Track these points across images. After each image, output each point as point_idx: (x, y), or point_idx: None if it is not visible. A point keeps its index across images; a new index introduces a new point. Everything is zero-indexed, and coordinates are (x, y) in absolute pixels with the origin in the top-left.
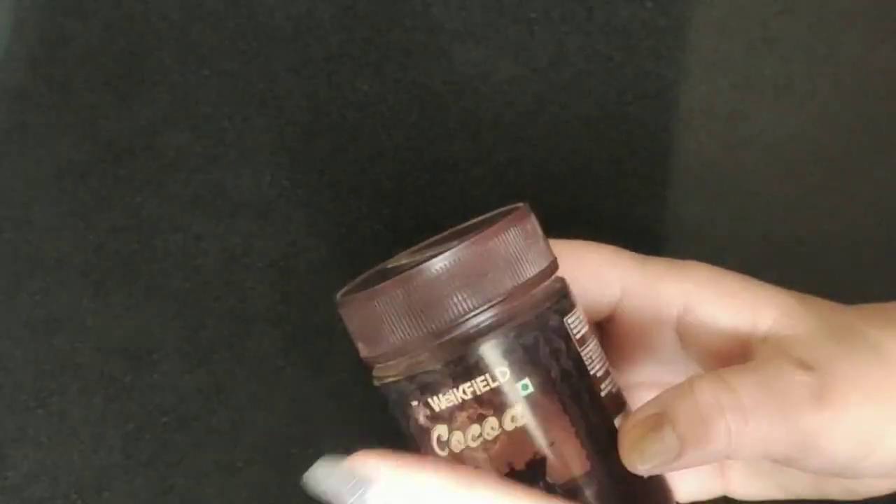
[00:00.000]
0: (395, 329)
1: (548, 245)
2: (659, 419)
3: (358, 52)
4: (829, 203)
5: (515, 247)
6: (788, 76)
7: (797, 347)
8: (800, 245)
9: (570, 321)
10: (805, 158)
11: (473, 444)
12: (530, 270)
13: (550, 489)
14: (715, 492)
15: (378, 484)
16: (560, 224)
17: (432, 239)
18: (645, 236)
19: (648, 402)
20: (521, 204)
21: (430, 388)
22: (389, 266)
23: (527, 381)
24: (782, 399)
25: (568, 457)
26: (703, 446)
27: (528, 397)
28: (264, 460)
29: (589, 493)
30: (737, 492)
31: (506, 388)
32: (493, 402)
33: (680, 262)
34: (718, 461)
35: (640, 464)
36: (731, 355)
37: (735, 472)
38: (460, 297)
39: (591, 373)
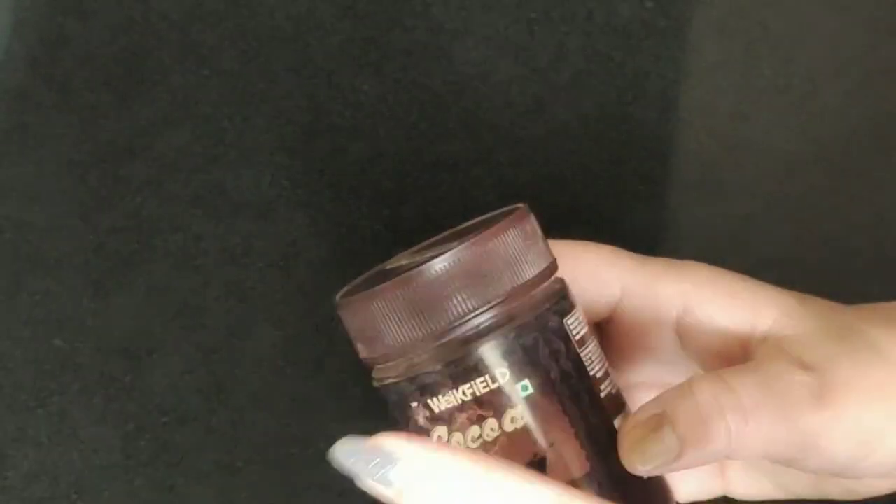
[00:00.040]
0: (394, 330)
1: (547, 246)
2: (659, 420)
3: (358, 52)
4: (829, 203)
5: (515, 248)
6: (788, 76)
7: (797, 347)
8: (800, 245)
9: (569, 322)
10: (805, 158)
11: (473, 446)
12: (530, 271)
13: None
14: (715, 492)
15: (401, 463)
16: (560, 224)
17: (432, 239)
18: (644, 236)
19: (648, 403)
20: (520, 204)
21: (430, 390)
22: (389, 267)
23: (526, 382)
24: (782, 399)
25: (568, 458)
26: (703, 447)
27: (527, 398)
28: (264, 460)
29: (589, 494)
30: (737, 492)
31: (505, 390)
32: (492, 404)
33: (679, 263)
34: (718, 461)
35: (639, 465)
36: (731, 355)
37: (735, 472)
38: (460, 299)
39: (591, 374)
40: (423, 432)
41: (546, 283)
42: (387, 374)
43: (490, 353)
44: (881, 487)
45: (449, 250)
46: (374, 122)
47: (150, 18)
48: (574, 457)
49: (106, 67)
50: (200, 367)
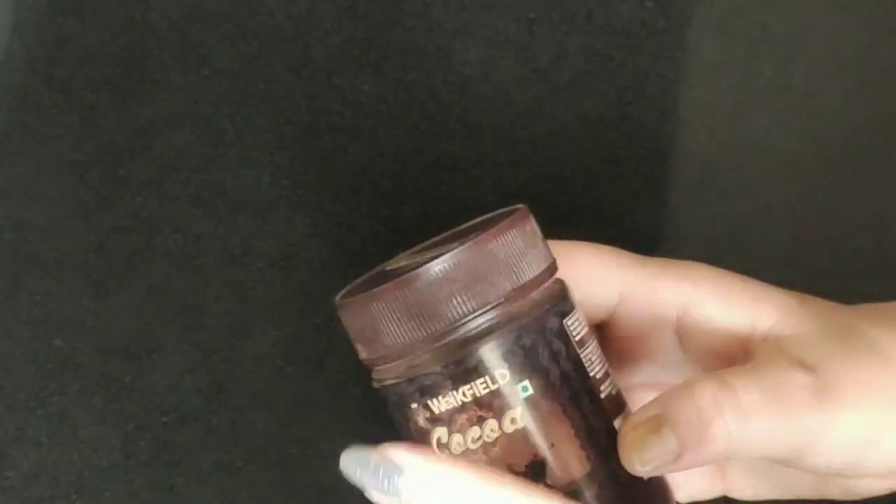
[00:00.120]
0: (394, 331)
1: (547, 247)
2: (658, 421)
3: (358, 52)
4: (829, 203)
5: (515, 249)
6: (788, 76)
7: (797, 348)
8: (800, 245)
9: (569, 323)
10: (805, 158)
11: (473, 447)
12: (530, 272)
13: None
14: (715, 492)
15: (408, 473)
16: (560, 224)
17: (432, 240)
18: (644, 236)
19: (648, 404)
20: (520, 205)
21: (430, 391)
22: (389, 268)
23: (526, 383)
24: (782, 399)
25: (568, 459)
26: (703, 447)
27: (527, 399)
28: (264, 460)
29: (589, 494)
30: (737, 492)
31: (505, 391)
32: (492, 405)
33: (679, 263)
34: (718, 462)
35: (639, 465)
36: (731, 356)
37: (735, 473)
38: (460, 300)
39: (591, 374)
40: (423, 433)
41: (546, 284)
42: (387, 375)
43: (490, 354)
44: (881, 487)
45: (449, 251)
46: (374, 122)
47: (150, 18)
48: (574, 458)
49: (106, 67)
50: (200, 367)
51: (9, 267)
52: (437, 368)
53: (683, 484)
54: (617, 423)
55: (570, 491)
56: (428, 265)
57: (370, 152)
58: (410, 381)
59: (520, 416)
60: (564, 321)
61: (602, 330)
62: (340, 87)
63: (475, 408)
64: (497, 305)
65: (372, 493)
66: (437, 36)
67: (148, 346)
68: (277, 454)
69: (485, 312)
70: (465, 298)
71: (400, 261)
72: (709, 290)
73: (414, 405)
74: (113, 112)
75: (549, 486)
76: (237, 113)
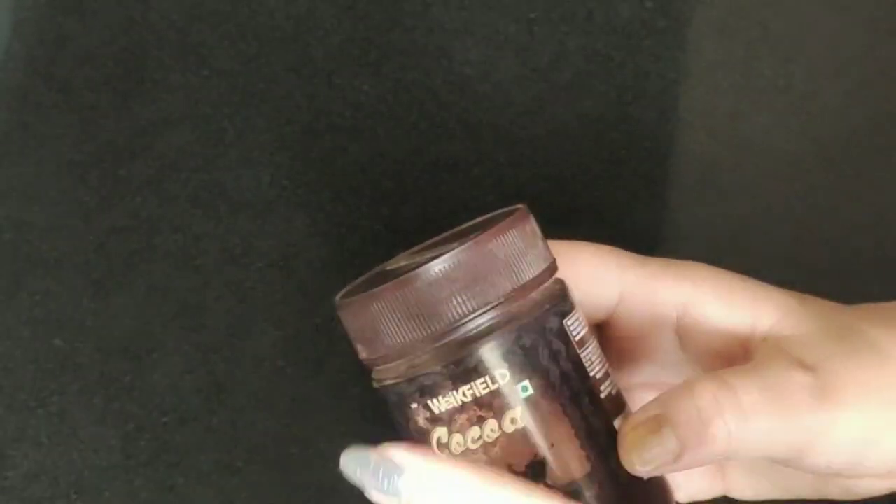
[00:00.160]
0: (394, 331)
1: (547, 246)
2: (658, 421)
3: (358, 52)
4: (829, 203)
5: (515, 249)
6: (788, 76)
7: (797, 348)
8: (800, 245)
9: (569, 323)
10: (805, 158)
11: (473, 447)
12: (530, 272)
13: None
14: (715, 492)
15: (408, 473)
16: (560, 224)
17: (432, 240)
18: (644, 236)
19: (648, 404)
20: (520, 205)
21: (430, 391)
22: (389, 268)
23: (526, 383)
24: (782, 399)
25: (568, 459)
26: (703, 447)
27: (527, 399)
28: (264, 460)
29: (589, 494)
30: (737, 492)
31: (505, 391)
32: (492, 405)
33: (679, 263)
34: (718, 462)
35: (639, 465)
36: (731, 356)
37: (735, 472)
38: (460, 300)
39: (591, 374)
40: (423, 433)
41: (546, 284)
42: (387, 375)
43: (490, 354)
44: (881, 487)
45: (449, 251)
46: (374, 122)
47: (150, 18)
48: (574, 458)
49: (106, 67)
50: (200, 367)
51: (9, 267)
52: (437, 368)
53: (683, 484)
54: (617, 423)
55: (570, 491)
56: (428, 265)
57: (370, 152)
58: (410, 381)
59: (520, 416)
60: (564, 321)
61: (602, 330)
62: (340, 87)
63: (475, 408)
64: (497, 305)
65: (372, 493)
66: (437, 36)
67: (148, 346)
68: (277, 454)
69: (485, 312)
70: (465, 298)
71: (400, 261)
72: (709, 290)
73: (414, 405)
74: (113, 112)
75: (549, 486)
76: (237, 113)
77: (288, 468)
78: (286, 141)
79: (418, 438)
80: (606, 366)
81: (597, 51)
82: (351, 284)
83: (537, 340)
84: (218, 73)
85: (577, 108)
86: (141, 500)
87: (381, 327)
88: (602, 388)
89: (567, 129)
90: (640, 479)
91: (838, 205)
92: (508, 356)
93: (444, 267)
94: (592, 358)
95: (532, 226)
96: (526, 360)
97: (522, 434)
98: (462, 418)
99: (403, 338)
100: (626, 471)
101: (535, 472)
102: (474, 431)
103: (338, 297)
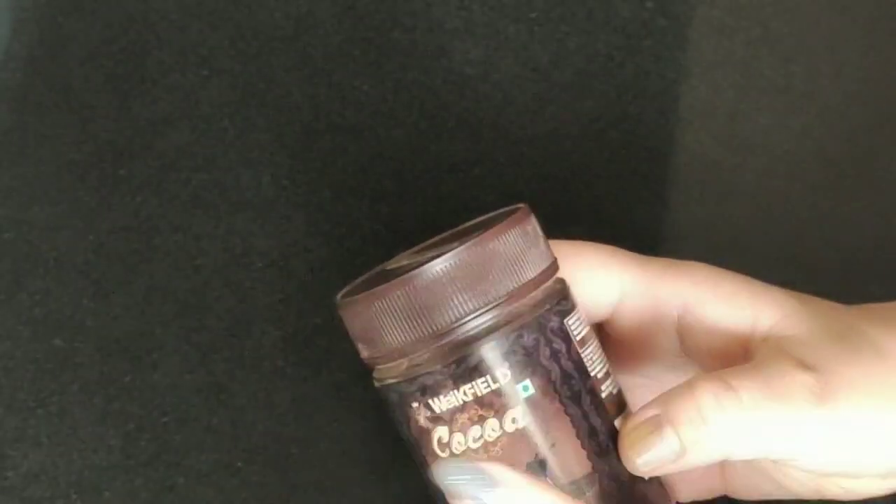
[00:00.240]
0: (395, 331)
1: (548, 246)
2: (659, 420)
3: (358, 52)
4: (829, 203)
5: (516, 248)
6: (788, 76)
7: (798, 348)
8: (800, 245)
9: (570, 322)
10: (805, 158)
11: (474, 446)
12: (531, 272)
13: None
14: (715, 492)
15: (502, 488)
16: (560, 224)
17: (433, 240)
18: (645, 236)
19: (649, 403)
20: (521, 205)
21: (431, 390)
22: (390, 267)
23: (527, 382)
24: (783, 399)
25: (569, 458)
26: (704, 447)
27: (528, 399)
28: (264, 460)
29: (590, 494)
30: (737, 492)
31: (506, 390)
32: (493, 404)
33: (679, 263)
34: (718, 461)
35: (640, 465)
36: (732, 356)
37: (735, 473)
38: (461, 299)
39: (592, 374)
40: (424, 432)
41: (547, 284)
42: (387, 375)
43: (491, 353)
44: (881, 487)
45: (450, 251)
46: (374, 122)
47: (149, 18)
48: (575, 457)
49: (106, 67)
50: (200, 367)
51: (9, 267)
52: (438, 367)
53: (683, 484)
54: (618, 423)
55: (570, 490)
56: (429, 264)
57: (370, 152)
58: (411, 380)
59: (521, 416)
60: (565, 320)
61: (603, 329)
62: (340, 87)
63: (476, 407)
64: (498, 305)
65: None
66: (437, 36)
67: (148, 346)
68: (277, 454)
69: (486, 312)
70: (466, 298)
71: (400, 260)
72: (709, 290)
73: (415, 404)
74: (113, 112)
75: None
76: (237, 113)
77: (288, 468)
78: (286, 141)
79: (419, 438)
80: (607, 365)
81: (597, 51)
82: (351, 284)
83: (538, 340)
84: (218, 73)
85: (577, 108)
86: (141, 500)
87: (382, 326)
88: (603, 387)
89: (567, 129)
90: (640, 478)
91: (838, 205)
92: (509, 355)
93: (445, 266)
94: (593, 357)
95: (533, 225)
96: (527, 360)
97: (523, 433)
98: (463, 417)
99: (404, 337)
100: (626, 470)
101: (535, 471)
102: (475, 431)
103: (338, 297)
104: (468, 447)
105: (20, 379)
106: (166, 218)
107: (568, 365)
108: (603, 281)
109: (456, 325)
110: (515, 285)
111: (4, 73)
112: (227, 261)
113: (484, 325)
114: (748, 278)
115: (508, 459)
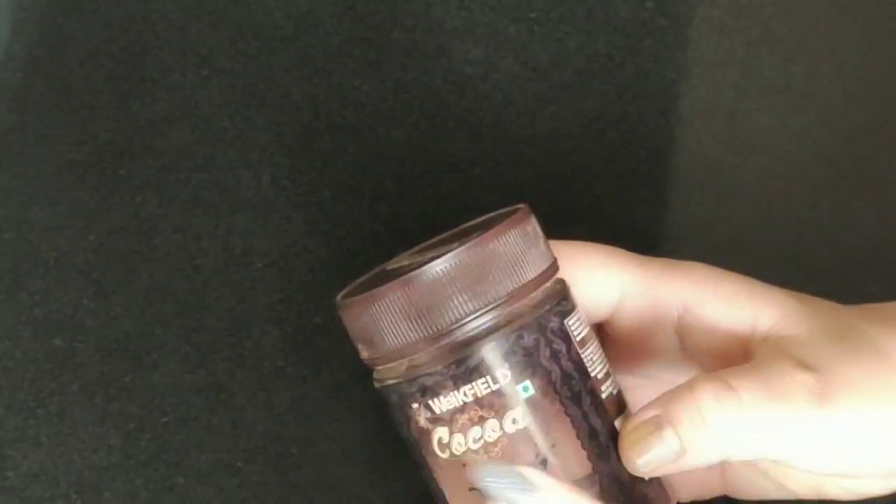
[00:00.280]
0: (395, 331)
1: (548, 246)
2: (659, 420)
3: (358, 52)
4: (829, 203)
5: (516, 249)
6: (788, 76)
7: (798, 348)
8: (800, 245)
9: (570, 323)
10: (805, 158)
11: (474, 447)
12: (531, 272)
13: None
14: (715, 492)
15: (540, 492)
16: (560, 224)
17: (433, 240)
18: (645, 236)
19: (649, 404)
20: (521, 205)
21: (431, 391)
22: (390, 267)
23: (528, 383)
24: (783, 399)
25: (569, 459)
26: (704, 447)
27: (528, 399)
28: (264, 460)
29: (590, 494)
30: (737, 492)
31: (507, 390)
32: (493, 405)
33: (679, 263)
34: (719, 461)
35: (641, 465)
36: (732, 356)
37: (735, 473)
38: (461, 300)
39: (592, 374)
40: (424, 433)
41: (547, 284)
42: (387, 375)
43: (491, 354)
44: (881, 487)
45: (450, 251)
46: (374, 122)
47: (149, 18)
48: (575, 458)
49: (106, 67)
50: (200, 367)
51: (9, 267)
52: (439, 368)
53: (684, 484)
54: (618, 423)
55: None
56: (429, 265)
57: (370, 152)
58: (411, 380)
59: (521, 416)
60: (565, 321)
61: (603, 330)
62: (340, 87)
63: (476, 408)
64: (498, 305)
65: None
66: (437, 36)
67: (148, 346)
68: (277, 454)
69: (486, 312)
70: (466, 298)
71: (400, 261)
72: (709, 291)
73: (415, 405)
74: (113, 112)
75: None
76: (237, 113)
77: (288, 468)
78: (286, 141)
79: (419, 438)
80: (607, 366)
81: (597, 50)
82: (351, 284)
83: (538, 340)
84: (218, 73)
85: (577, 108)
86: (141, 500)
87: (383, 327)
88: (603, 387)
89: (567, 129)
90: (640, 479)
91: (838, 205)
92: (509, 356)
93: (446, 267)
94: (593, 358)
95: (533, 225)
96: (527, 360)
97: (523, 434)
98: (463, 418)
99: (404, 337)
100: (627, 471)
101: None
102: (475, 431)
103: (338, 297)
104: (468, 448)
105: (20, 379)
106: (166, 218)
107: (568, 365)
108: (603, 281)
109: (456, 325)
110: (515, 286)
111: (4, 73)
112: (227, 261)
113: (484, 326)
114: (748, 278)
115: (508, 460)
